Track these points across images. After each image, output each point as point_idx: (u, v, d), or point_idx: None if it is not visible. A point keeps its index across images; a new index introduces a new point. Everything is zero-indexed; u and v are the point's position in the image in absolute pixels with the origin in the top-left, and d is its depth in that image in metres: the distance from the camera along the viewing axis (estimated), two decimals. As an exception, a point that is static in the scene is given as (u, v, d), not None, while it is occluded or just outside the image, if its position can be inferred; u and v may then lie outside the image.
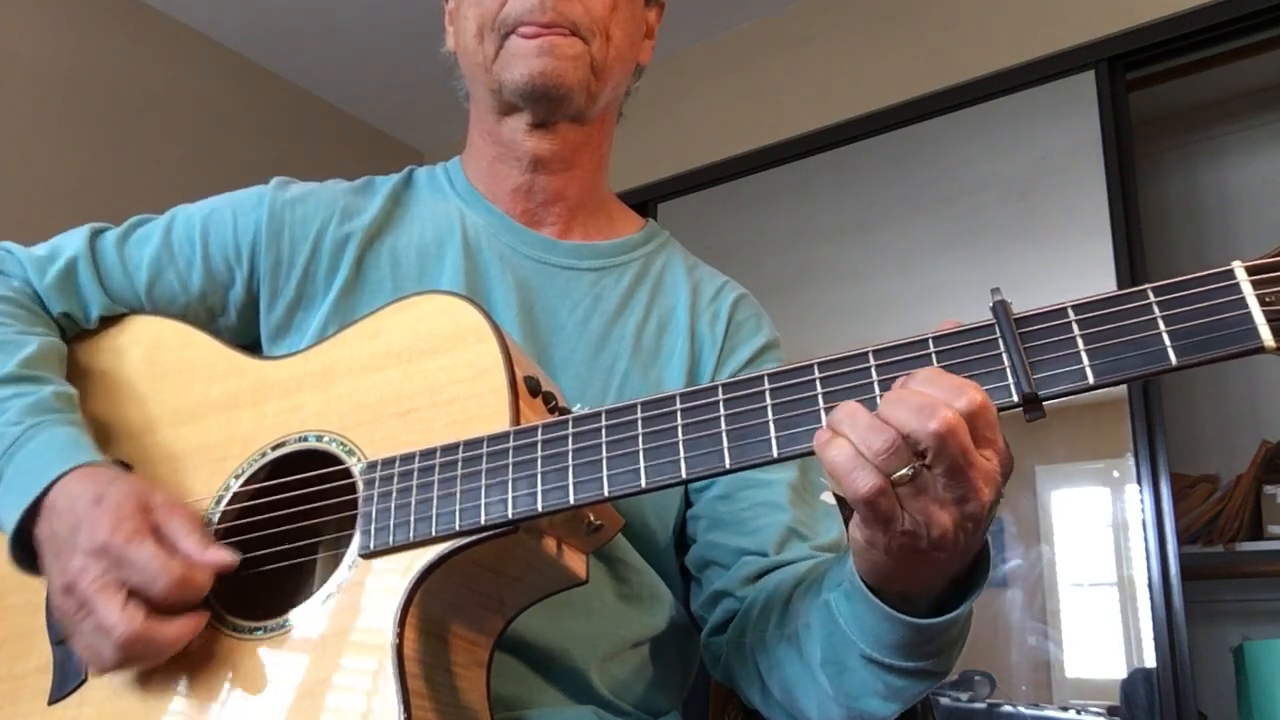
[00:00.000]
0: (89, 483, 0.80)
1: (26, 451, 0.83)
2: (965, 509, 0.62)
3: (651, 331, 1.06)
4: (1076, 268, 2.39)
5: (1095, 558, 2.41)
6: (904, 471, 0.60)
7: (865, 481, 0.60)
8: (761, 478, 1.00)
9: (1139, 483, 2.16)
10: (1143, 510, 2.14)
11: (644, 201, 3.14)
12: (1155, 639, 2.07)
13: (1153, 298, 0.60)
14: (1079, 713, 2.29)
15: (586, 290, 1.06)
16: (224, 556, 0.77)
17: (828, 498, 0.65)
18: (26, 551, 0.82)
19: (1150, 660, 2.10)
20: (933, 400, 0.59)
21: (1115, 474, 2.34)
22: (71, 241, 1.03)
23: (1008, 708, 2.33)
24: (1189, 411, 2.85)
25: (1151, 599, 2.09)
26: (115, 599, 0.74)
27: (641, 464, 0.69)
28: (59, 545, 0.78)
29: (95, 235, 1.04)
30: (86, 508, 0.78)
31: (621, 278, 1.08)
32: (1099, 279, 2.28)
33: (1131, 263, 2.26)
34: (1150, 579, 2.09)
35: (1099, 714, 2.28)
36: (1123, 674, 2.26)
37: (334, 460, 0.83)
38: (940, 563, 0.65)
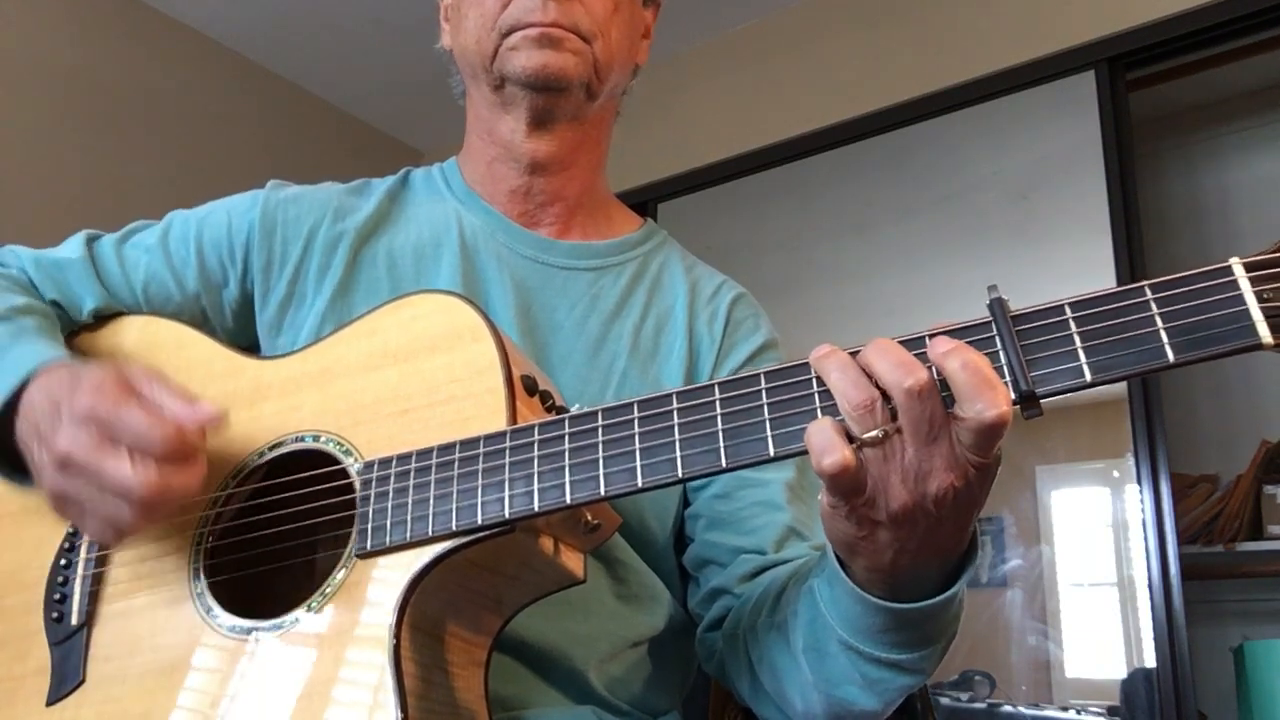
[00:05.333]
0: (62, 370, 0.81)
1: (2, 363, 0.84)
2: (926, 488, 0.62)
3: (650, 330, 1.05)
4: (1076, 268, 2.39)
5: (1095, 558, 2.41)
6: (875, 433, 0.61)
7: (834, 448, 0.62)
8: (759, 477, 1.00)
9: (1139, 483, 2.16)
10: (1143, 510, 2.14)
11: (644, 201, 3.14)
12: (1155, 639, 2.06)
13: (1150, 295, 0.60)
14: (1079, 713, 2.29)
15: (584, 290, 1.06)
16: (210, 410, 0.77)
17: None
18: (13, 465, 0.83)
19: (1150, 660, 2.10)
20: (912, 359, 0.61)
21: (1115, 474, 2.34)
22: (69, 244, 1.05)
23: (1008, 708, 2.33)
24: (1189, 411, 2.85)
25: (1151, 599, 2.09)
26: (122, 457, 0.73)
27: (638, 463, 0.69)
28: (42, 431, 0.77)
29: (92, 239, 1.05)
30: (64, 388, 0.78)
31: (619, 277, 1.08)
32: (1099, 279, 2.28)
33: (1131, 263, 2.26)
34: (1150, 579, 2.09)
35: (1099, 714, 2.28)
36: (1123, 674, 2.26)
37: (331, 460, 0.82)
38: (904, 543, 0.65)
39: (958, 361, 0.60)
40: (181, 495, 0.75)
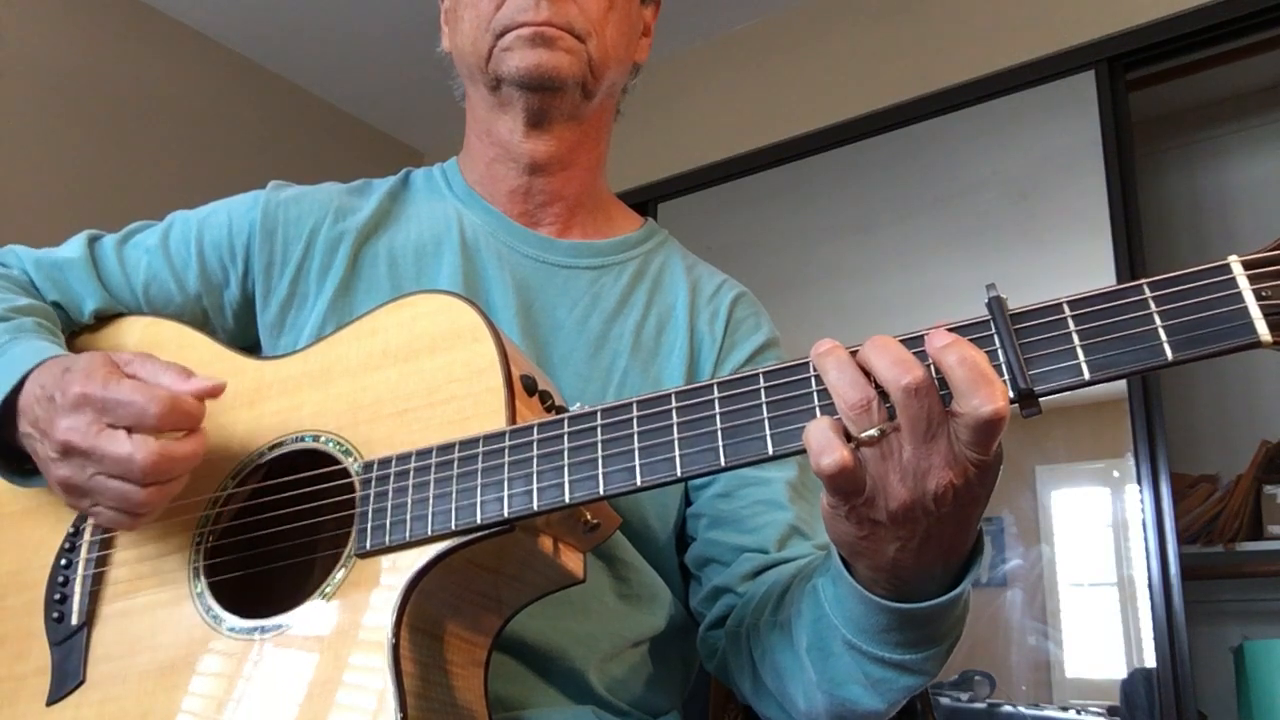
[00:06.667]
0: (53, 364, 0.82)
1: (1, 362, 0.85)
2: (925, 486, 0.62)
3: (650, 329, 1.06)
4: (1076, 268, 2.39)
5: (1095, 558, 2.41)
6: (872, 432, 0.61)
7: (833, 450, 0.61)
8: (760, 476, 1.00)
9: (1139, 483, 2.16)
10: (1143, 510, 2.14)
11: (644, 201, 3.14)
12: (1155, 639, 2.06)
13: (1149, 293, 0.60)
14: (1079, 713, 2.29)
15: (585, 289, 1.06)
16: (205, 382, 0.78)
17: None
18: (17, 463, 0.85)
19: (1150, 660, 2.10)
20: (910, 357, 0.61)
21: (1115, 474, 2.34)
22: (70, 245, 1.05)
23: (1008, 708, 2.33)
24: (1189, 411, 2.85)
25: (1151, 599, 2.09)
26: (118, 435, 0.74)
27: (637, 462, 0.69)
28: (40, 424, 0.79)
29: (93, 239, 1.06)
30: (54, 379, 0.79)
31: (620, 276, 1.08)
32: (1099, 279, 2.27)
33: (1131, 263, 2.26)
34: (1150, 579, 2.09)
35: (1099, 714, 2.28)
36: (1123, 674, 2.26)
37: (331, 460, 0.83)
38: (905, 542, 0.65)
39: (955, 356, 0.60)
40: (184, 465, 0.76)
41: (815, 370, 0.65)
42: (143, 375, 0.79)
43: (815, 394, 0.65)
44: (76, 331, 1.02)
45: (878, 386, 0.62)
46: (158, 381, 0.78)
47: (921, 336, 0.63)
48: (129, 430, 0.75)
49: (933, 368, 0.62)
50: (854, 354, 0.64)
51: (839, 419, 0.63)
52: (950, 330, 0.63)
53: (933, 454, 0.61)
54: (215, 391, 0.79)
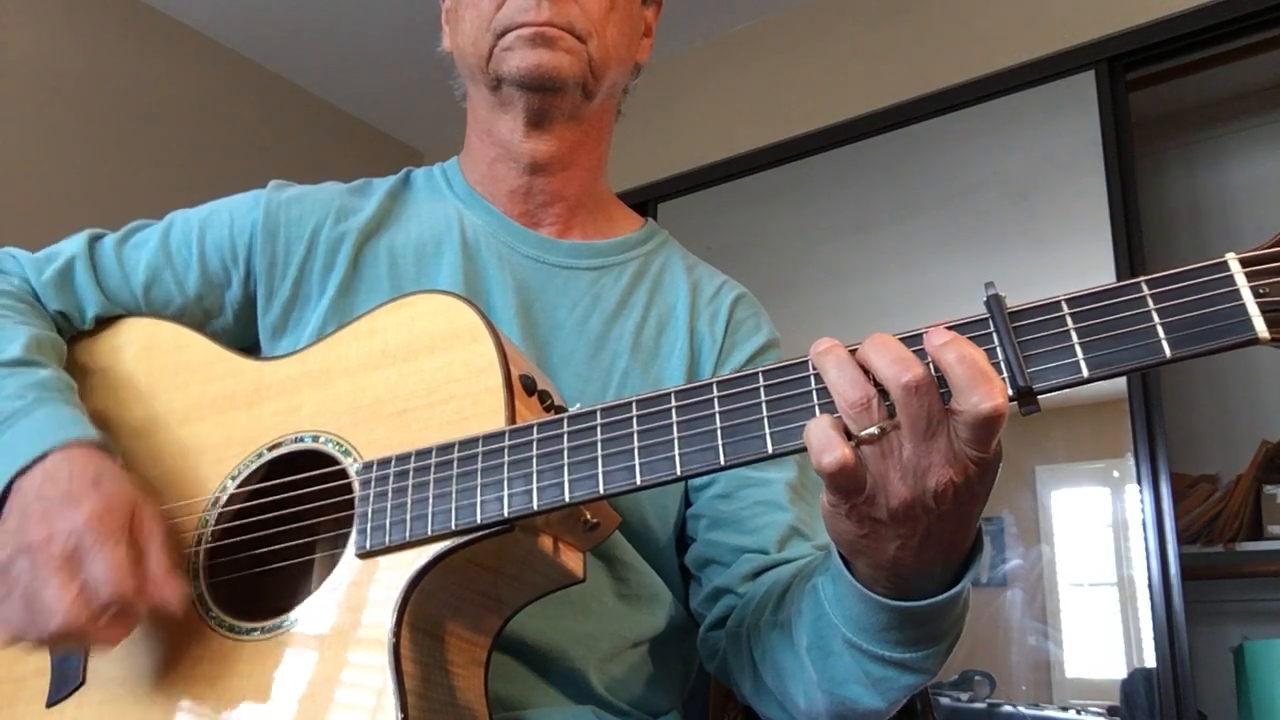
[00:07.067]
0: (91, 463, 0.79)
1: (31, 419, 0.82)
2: (925, 484, 0.62)
3: (651, 330, 1.06)
4: (1076, 268, 2.39)
5: (1095, 558, 2.41)
6: (872, 430, 0.61)
7: (834, 445, 0.61)
8: (760, 476, 1.00)
9: (1139, 483, 2.15)
10: (1143, 510, 2.14)
11: (644, 201, 3.14)
12: (1155, 639, 2.06)
13: (1147, 290, 0.60)
14: (1079, 713, 2.29)
15: (585, 289, 1.06)
16: (174, 593, 0.75)
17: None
18: None
19: (1150, 660, 2.09)
20: (909, 355, 0.61)
21: (1115, 474, 2.34)
22: (70, 245, 1.04)
23: (1008, 708, 2.33)
24: (1189, 411, 2.85)
25: (1151, 599, 2.09)
26: (70, 587, 0.72)
27: (637, 461, 0.69)
28: (41, 507, 0.76)
29: (94, 239, 1.05)
30: (83, 485, 0.77)
31: (620, 277, 1.08)
32: (1099, 279, 2.23)
33: (1131, 263, 2.26)
34: (1150, 579, 2.09)
35: (1099, 714, 2.28)
36: (1123, 674, 2.26)
37: (330, 460, 0.82)
38: (906, 540, 0.65)
39: (954, 354, 0.60)
40: (94, 646, 0.76)
41: (815, 369, 0.65)
42: (142, 540, 0.76)
43: (815, 392, 0.65)
44: (76, 336, 1.02)
45: (877, 385, 0.62)
46: (146, 557, 0.75)
47: (921, 335, 0.63)
48: (81, 587, 0.72)
49: (932, 366, 0.62)
50: (853, 352, 0.64)
51: (839, 417, 0.63)
52: (949, 328, 0.63)
53: (933, 452, 0.61)
54: (173, 607, 0.76)
